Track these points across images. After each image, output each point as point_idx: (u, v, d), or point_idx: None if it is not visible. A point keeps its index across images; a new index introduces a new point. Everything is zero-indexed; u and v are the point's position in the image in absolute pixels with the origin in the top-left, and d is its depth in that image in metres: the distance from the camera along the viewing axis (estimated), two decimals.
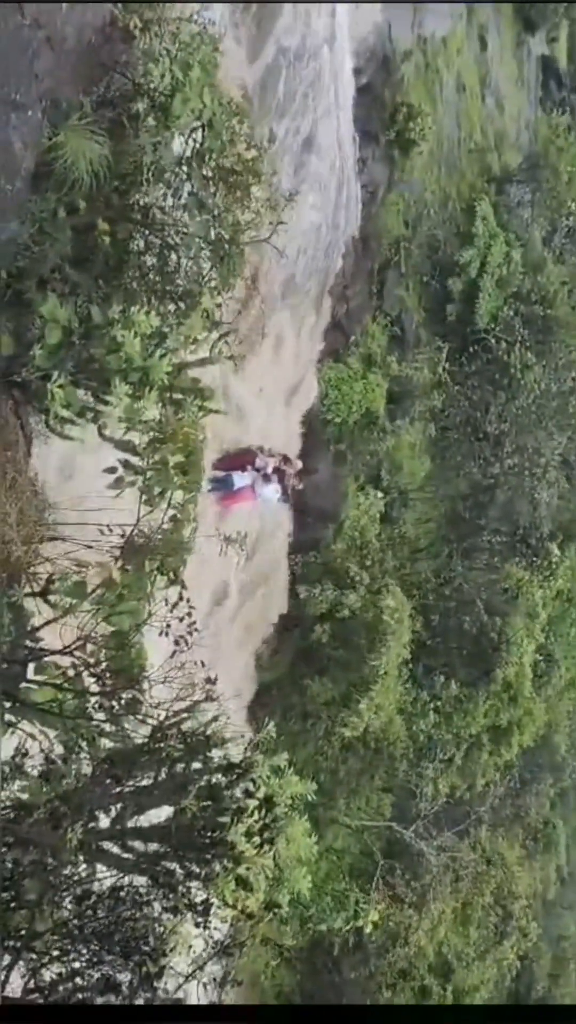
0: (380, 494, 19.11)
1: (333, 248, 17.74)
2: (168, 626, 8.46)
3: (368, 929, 15.99)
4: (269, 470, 15.23)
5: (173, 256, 9.46)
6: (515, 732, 20.07)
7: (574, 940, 25.66)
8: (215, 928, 7.81)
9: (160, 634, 8.54)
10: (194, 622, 8.57)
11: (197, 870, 7.40)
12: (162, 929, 7.41)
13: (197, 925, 7.29)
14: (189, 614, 8.54)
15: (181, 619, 8.44)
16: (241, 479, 15.11)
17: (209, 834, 7.49)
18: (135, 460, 8.95)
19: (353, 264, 18.83)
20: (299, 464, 16.38)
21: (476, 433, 20.98)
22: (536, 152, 24.13)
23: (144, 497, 8.95)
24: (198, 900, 7.30)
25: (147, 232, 9.24)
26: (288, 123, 15.07)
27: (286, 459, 15.92)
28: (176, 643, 8.46)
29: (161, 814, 8.08)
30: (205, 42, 9.42)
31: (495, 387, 20.77)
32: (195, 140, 9.34)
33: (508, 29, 24.03)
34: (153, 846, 7.83)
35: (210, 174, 9.57)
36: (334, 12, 15.89)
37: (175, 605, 8.54)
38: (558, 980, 24.72)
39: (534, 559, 20.90)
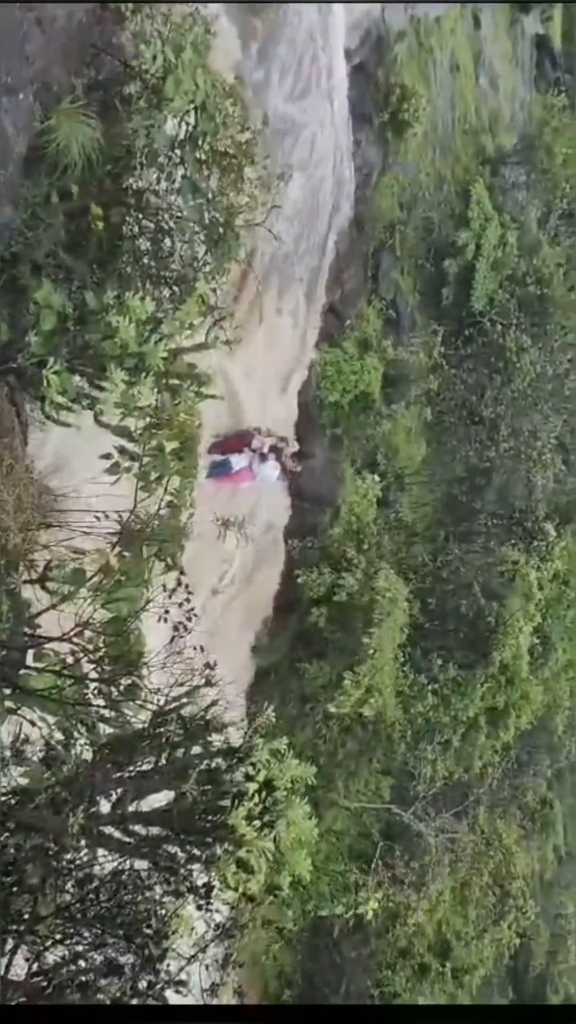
0: (377, 478, 19.09)
1: (328, 231, 17.65)
2: (166, 612, 8.50)
3: (368, 916, 16.13)
4: (266, 449, 15.32)
5: (167, 240, 9.43)
6: (512, 714, 20.14)
7: (571, 918, 25.90)
8: (216, 911, 7.88)
9: (159, 620, 8.58)
10: (192, 608, 8.61)
11: (198, 853, 7.46)
12: (164, 912, 7.47)
13: (199, 908, 7.36)
14: (187, 599, 8.58)
15: (179, 605, 8.49)
16: (239, 460, 15.23)
17: (210, 818, 7.56)
18: (131, 446, 8.96)
19: (348, 247, 18.73)
20: (296, 445, 16.44)
21: (472, 417, 20.94)
22: (531, 133, 23.93)
23: (141, 483, 8.96)
24: (199, 883, 7.37)
25: (141, 216, 9.20)
26: (281, 104, 14.96)
27: (282, 438, 16.00)
28: (175, 629, 8.51)
29: (162, 798, 8.14)
30: (197, 23, 9.35)
31: (491, 370, 20.72)
32: (188, 123, 9.28)
33: (502, 8, 23.79)
34: (154, 830, 7.89)
35: (204, 157, 9.52)
36: None
37: (173, 591, 8.58)
38: (556, 957, 24.96)
39: (530, 542, 20.92)
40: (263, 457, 15.26)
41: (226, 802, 7.51)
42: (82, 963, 7.37)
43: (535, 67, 25.25)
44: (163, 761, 8.09)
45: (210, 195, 9.60)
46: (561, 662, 22.69)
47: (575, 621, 23.58)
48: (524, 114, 24.62)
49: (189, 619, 8.55)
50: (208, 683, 8.34)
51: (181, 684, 8.40)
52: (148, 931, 7.29)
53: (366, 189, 18.87)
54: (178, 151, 9.29)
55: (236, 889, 7.20)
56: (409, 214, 20.35)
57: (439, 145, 21.30)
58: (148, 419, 9.01)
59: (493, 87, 23.43)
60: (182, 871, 7.42)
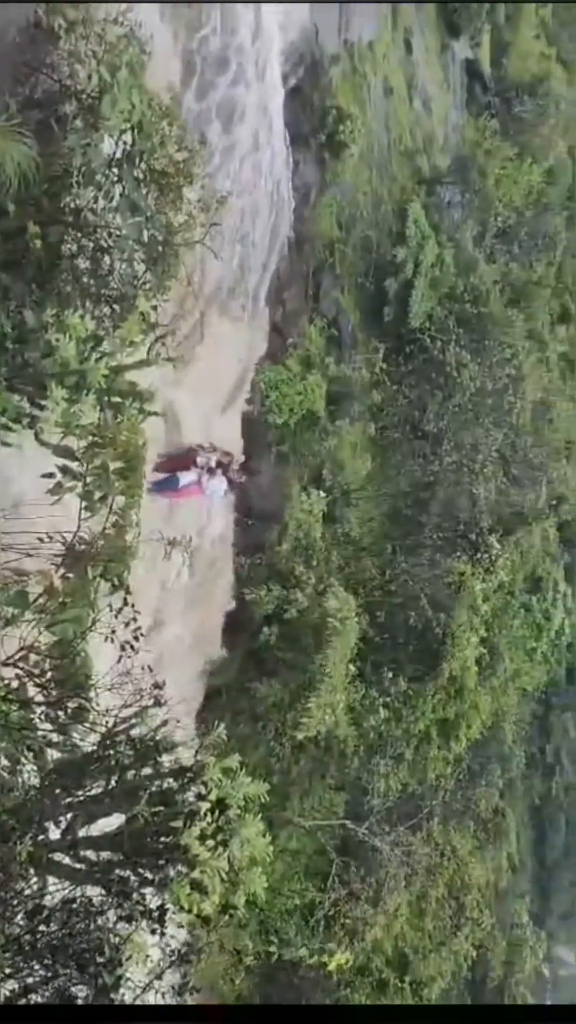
0: (323, 494, 19.19)
1: (269, 250, 17.80)
2: (113, 632, 8.39)
3: (331, 968, 15.91)
4: (212, 463, 15.34)
5: (106, 259, 9.38)
6: (463, 725, 20.32)
7: (526, 927, 26.08)
8: (171, 936, 7.74)
9: (105, 641, 8.46)
10: (139, 627, 8.52)
11: (151, 876, 7.33)
12: (117, 939, 7.31)
13: (153, 932, 7.22)
14: (134, 619, 8.48)
15: (126, 624, 8.38)
16: (186, 477, 15.21)
17: (162, 839, 7.44)
18: (74, 465, 8.84)
19: (288, 266, 18.91)
20: (241, 457, 16.49)
21: (415, 431, 21.24)
22: (464, 154, 24.55)
23: (84, 503, 8.85)
24: (153, 906, 7.23)
25: (79, 235, 9.14)
26: (219, 125, 15.09)
27: (227, 453, 16.05)
28: (122, 649, 8.40)
29: (113, 822, 8.00)
30: (132, 44, 9.38)
31: (432, 386, 21.06)
32: (125, 142, 9.28)
33: (432, 33, 24.42)
34: (105, 855, 7.73)
35: (141, 176, 9.52)
36: (260, 16, 15.97)
37: (120, 611, 8.47)
38: (512, 967, 25.07)
39: (475, 554, 21.22)
40: (211, 472, 15.30)
41: (178, 823, 7.40)
42: (35, 997, 7.16)
43: (466, 91, 25.96)
44: (113, 784, 7.95)
45: (148, 213, 9.59)
46: (509, 671, 23.01)
47: (521, 630, 24.00)
48: (457, 136, 25.25)
49: (136, 639, 8.45)
50: (157, 703, 8.24)
51: (130, 705, 8.28)
52: (101, 960, 7.13)
53: (305, 209, 19.10)
54: (115, 170, 9.27)
55: (190, 911, 7.09)
56: (348, 233, 20.65)
57: (376, 166, 21.70)
58: (91, 437, 8.92)
59: (426, 110, 23.98)
60: (135, 895, 7.28)
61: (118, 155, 9.25)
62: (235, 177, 15.82)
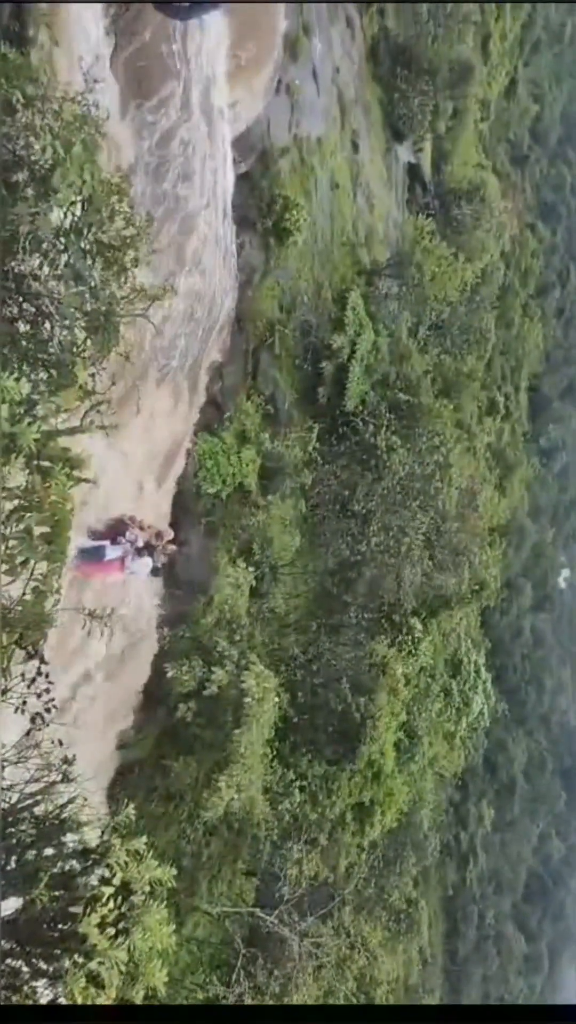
0: (251, 568, 19.15)
1: (210, 327, 18.11)
2: (24, 703, 8.08)
3: None
4: (140, 543, 14.96)
5: (47, 325, 9.39)
6: (378, 811, 20.07)
7: None
8: None
9: (16, 711, 8.13)
10: (52, 699, 8.24)
11: (45, 967, 6.90)
12: None
13: None
14: (47, 690, 8.21)
15: (38, 695, 8.09)
16: (113, 551, 14.73)
17: (59, 926, 7.04)
18: None
19: (229, 343, 19.27)
20: (171, 534, 16.23)
21: (344, 511, 21.53)
22: (404, 250, 25.74)
23: (5, 567, 8.62)
24: (44, 1002, 6.78)
25: (21, 299, 9.16)
26: (169, 204, 15.46)
27: (158, 534, 15.73)
28: (32, 721, 8.09)
29: (8, 906, 7.54)
30: (88, 124, 9.60)
31: (362, 467, 21.48)
32: (74, 213, 9.41)
33: (378, 135, 25.81)
34: None
35: (88, 247, 9.64)
36: (216, 101, 16.62)
37: (32, 681, 8.19)
38: None
39: (398, 636, 21.36)
40: (139, 552, 14.88)
41: (78, 908, 7.03)
42: None
43: (407, 191, 27.39)
44: (12, 864, 7.54)
45: (92, 284, 9.68)
46: (427, 756, 22.97)
47: (441, 715, 24.08)
48: (397, 232, 26.47)
49: (48, 711, 8.16)
50: (65, 779, 7.92)
51: (36, 780, 7.94)
52: None
53: (248, 290, 19.61)
54: (62, 239, 9.38)
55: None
56: (288, 316, 21.24)
57: (318, 254, 22.52)
58: (17, 501, 8.75)
59: (369, 206, 25.14)
60: (26, 989, 6.83)
61: (66, 225, 9.36)
62: (181, 254, 16.16)
